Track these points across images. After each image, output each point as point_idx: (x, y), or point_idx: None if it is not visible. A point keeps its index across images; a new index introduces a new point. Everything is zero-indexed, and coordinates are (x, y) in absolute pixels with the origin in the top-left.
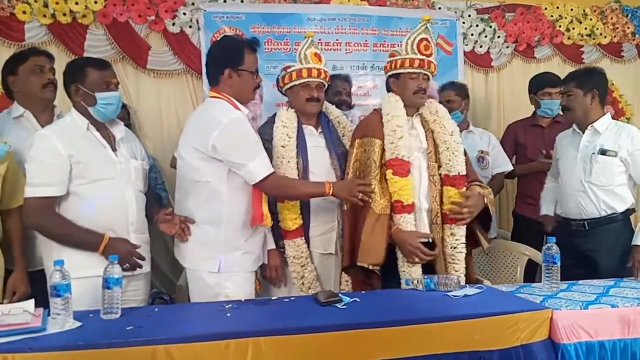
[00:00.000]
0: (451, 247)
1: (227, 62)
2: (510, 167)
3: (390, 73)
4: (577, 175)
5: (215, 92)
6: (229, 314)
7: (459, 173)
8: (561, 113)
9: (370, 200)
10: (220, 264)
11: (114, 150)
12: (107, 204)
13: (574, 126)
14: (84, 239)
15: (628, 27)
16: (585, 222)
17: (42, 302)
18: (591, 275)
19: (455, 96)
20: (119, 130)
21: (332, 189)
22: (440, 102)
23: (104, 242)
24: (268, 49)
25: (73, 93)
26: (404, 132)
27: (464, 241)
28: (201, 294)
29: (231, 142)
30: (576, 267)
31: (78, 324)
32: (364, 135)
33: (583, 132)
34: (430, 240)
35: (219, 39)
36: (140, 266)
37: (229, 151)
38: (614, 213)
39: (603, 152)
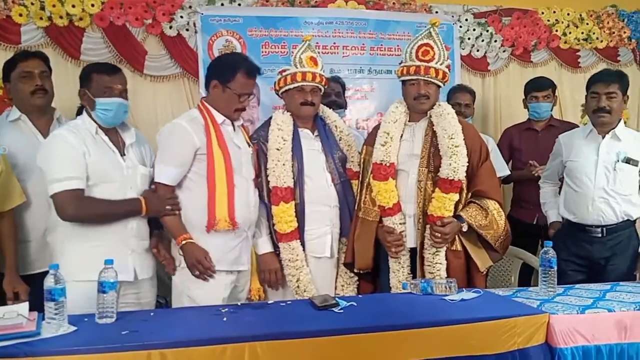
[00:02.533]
0: (431, 253)
1: (218, 75)
2: (507, 172)
3: (400, 80)
4: (599, 182)
5: (201, 101)
6: (225, 319)
7: (447, 177)
8: (555, 117)
9: None
10: (181, 261)
11: (123, 155)
12: None
13: (592, 129)
14: (125, 209)
15: (624, 32)
16: (604, 228)
17: (36, 307)
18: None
19: (470, 100)
20: (129, 136)
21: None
22: (453, 105)
23: (143, 203)
24: (265, 52)
25: (81, 97)
26: (389, 138)
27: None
28: (174, 291)
29: (160, 140)
30: (579, 273)
31: (73, 328)
32: (368, 142)
33: (603, 137)
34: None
35: (230, 52)
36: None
37: (158, 147)
38: (629, 219)
39: (628, 160)
